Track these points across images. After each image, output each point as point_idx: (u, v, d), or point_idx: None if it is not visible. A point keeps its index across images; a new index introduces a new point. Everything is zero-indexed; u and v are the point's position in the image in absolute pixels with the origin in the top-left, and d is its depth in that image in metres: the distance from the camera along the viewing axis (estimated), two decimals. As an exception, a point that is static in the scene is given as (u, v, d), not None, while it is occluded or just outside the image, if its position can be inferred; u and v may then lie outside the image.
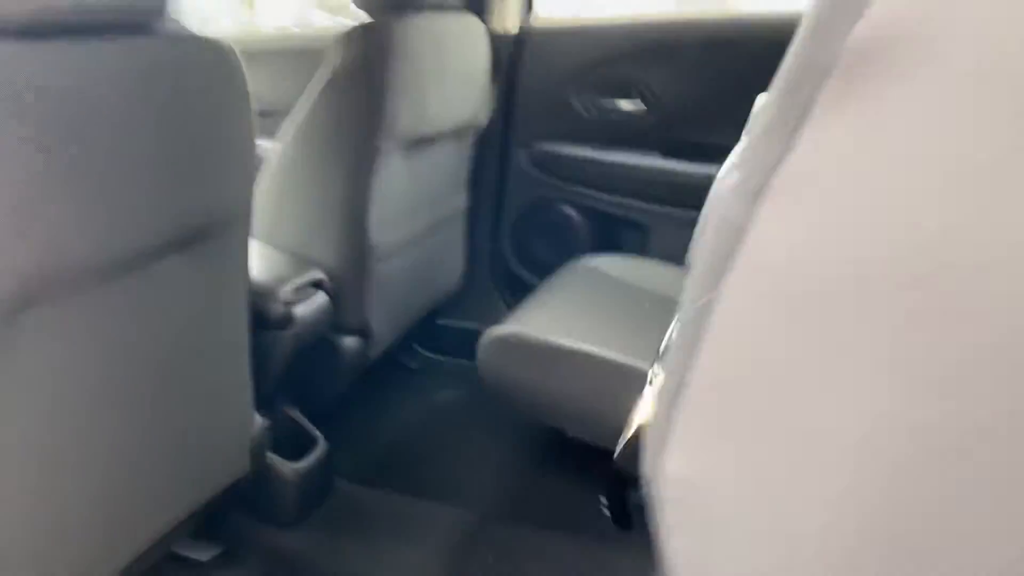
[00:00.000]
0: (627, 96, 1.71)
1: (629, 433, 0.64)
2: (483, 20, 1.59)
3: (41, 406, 0.74)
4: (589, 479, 1.49)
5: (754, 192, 0.30)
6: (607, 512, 1.42)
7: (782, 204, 0.29)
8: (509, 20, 1.69)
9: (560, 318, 1.34)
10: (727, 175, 0.60)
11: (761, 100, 0.82)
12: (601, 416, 1.26)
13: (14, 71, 0.62)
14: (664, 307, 1.47)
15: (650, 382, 0.76)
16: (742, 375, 0.31)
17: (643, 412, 0.68)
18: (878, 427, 0.27)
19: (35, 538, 0.78)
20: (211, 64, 0.82)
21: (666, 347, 0.76)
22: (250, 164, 0.92)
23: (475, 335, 1.97)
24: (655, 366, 0.77)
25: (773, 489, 0.29)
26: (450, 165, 1.61)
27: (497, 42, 1.66)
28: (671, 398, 0.33)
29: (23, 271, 0.66)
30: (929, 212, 0.26)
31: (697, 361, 0.32)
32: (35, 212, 0.66)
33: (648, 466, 0.35)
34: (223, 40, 0.83)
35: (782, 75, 0.31)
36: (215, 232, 0.90)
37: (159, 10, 0.77)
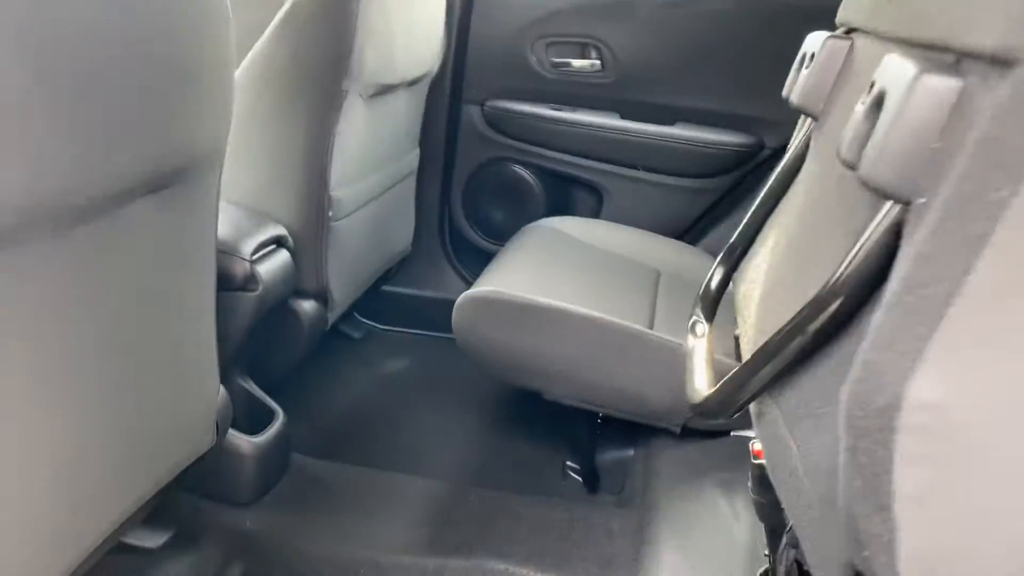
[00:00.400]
0: (584, 54, 1.67)
1: (698, 384, 0.60)
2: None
3: (3, 362, 0.62)
4: (550, 443, 1.47)
5: None
6: (575, 475, 1.40)
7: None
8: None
9: (534, 279, 1.30)
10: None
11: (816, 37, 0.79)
12: (583, 377, 1.23)
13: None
14: (630, 268, 1.46)
15: (691, 329, 0.73)
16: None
17: (701, 365, 0.64)
18: None
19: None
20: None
21: (706, 291, 0.73)
22: (228, 96, 0.81)
23: (421, 302, 1.90)
24: (695, 314, 0.74)
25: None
26: (405, 118, 1.51)
27: (451, -4, 1.58)
28: (924, 318, 0.29)
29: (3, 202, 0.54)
30: None
31: (970, 276, 0.28)
32: (21, 123, 0.54)
33: (879, 393, 0.31)
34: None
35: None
36: (191, 175, 0.79)
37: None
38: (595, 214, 1.76)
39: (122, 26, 0.64)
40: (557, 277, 1.33)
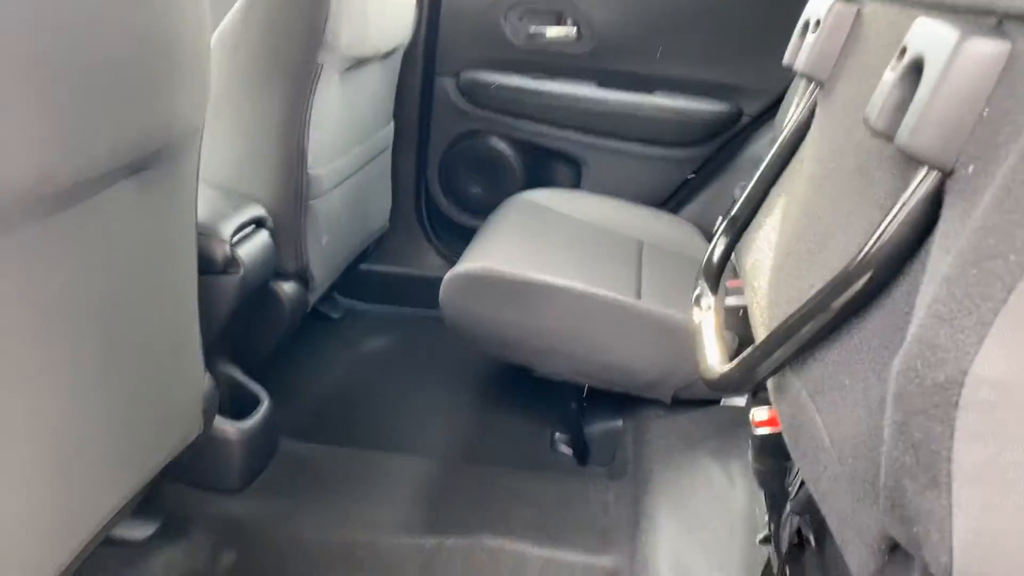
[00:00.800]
0: (560, 22, 1.63)
1: (709, 360, 0.59)
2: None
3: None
4: (537, 417, 1.47)
5: None
6: (565, 448, 1.40)
7: None
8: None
9: (519, 254, 1.28)
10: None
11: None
12: (572, 351, 1.22)
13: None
14: (612, 239, 1.45)
15: (696, 302, 0.72)
16: None
17: (711, 339, 0.64)
18: None
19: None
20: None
21: (709, 263, 0.72)
22: (205, 69, 0.78)
23: (400, 280, 1.87)
24: (699, 285, 0.73)
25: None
26: (379, 92, 1.47)
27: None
28: (991, 291, 0.28)
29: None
30: None
31: None
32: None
33: (938, 368, 0.30)
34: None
35: None
36: (170, 154, 0.75)
37: None
38: (575, 185, 1.75)
39: (93, 3, 0.60)
40: (542, 251, 1.31)
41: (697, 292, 0.69)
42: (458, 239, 1.47)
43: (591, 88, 1.65)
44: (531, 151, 1.75)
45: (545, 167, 1.78)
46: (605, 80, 1.65)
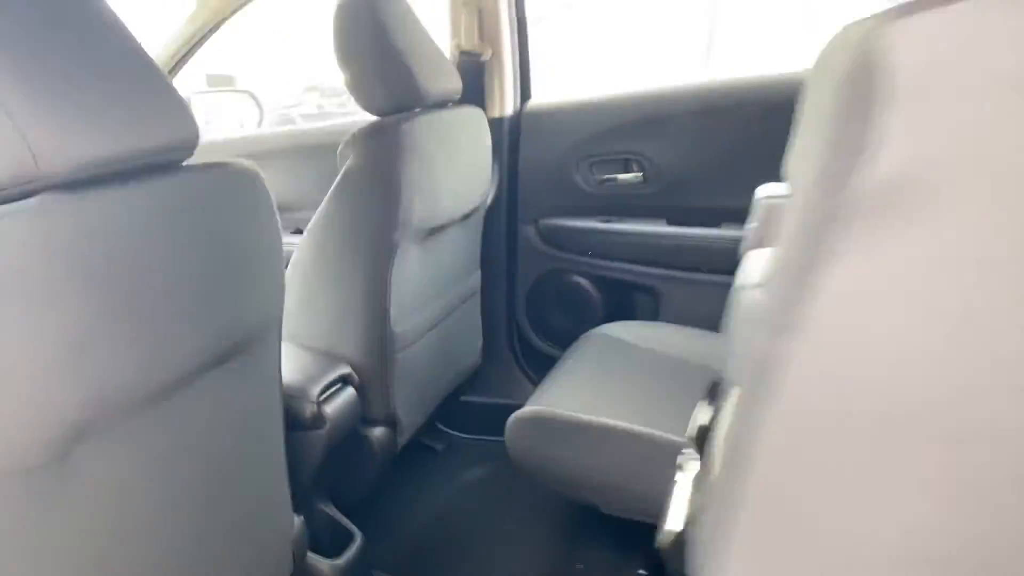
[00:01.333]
0: (626, 168, 1.76)
1: (669, 525, 0.65)
2: (483, 108, 1.66)
3: (95, 532, 0.76)
4: (627, 554, 1.49)
5: (781, 328, 0.33)
6: (648, 586, 1.41)
7: (805, 341, 0.32)
8: (508, 105, 1.76)
9: (585, 392, 1.36)
10: (752, 288, 0.63)
11: (761, 191, 0.85)
12: (635, 490, 1.27)
13: (62, 220, 0.66)
14: (684, 371, 1.50)
15: (680, 467, 0.77)
16: (793, 493, 0.33)
17: (680, 503, 0.69)
18: (915, 539, 0.29)
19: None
20: (239, 189, 0.87)
21: (698, 431, 0.78)
22: (279, 276, 0.96)
23: (498, 409, 1.99)
24: (685, 452, 0.78)
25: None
26: (462, 248, 1.65)
27: (497, 126, 1.73)
28: (727, 510, 0.35)
29: (79, 405, 0.69)
30: (935, 348, 0.29)
31: (751, 476, 0.34)
32: (87, 350, 0.69)
33: (702, 566, 0.36)
34: (248, 165, 0.88)
35: (792, 221, 0.34)
36: (251, 344, 0.93)
37: (190, 148, 0.81)
38: (654, 315, 1.82)
39: (184, 243, 0.79)
40: (608, 388, 1.39)
41: (681, 457, 0.75)
42: (548, 369, 1.57)
43: (660, 225, 1.75)
44: (610, 285, 1.85)
45: (625, 298, 1.87)
46: (673, 216, 1.74)
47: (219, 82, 2.76)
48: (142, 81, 0.76)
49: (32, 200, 0.64)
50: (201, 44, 1.81)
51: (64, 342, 0.67)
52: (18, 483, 0.65)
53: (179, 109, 0.80)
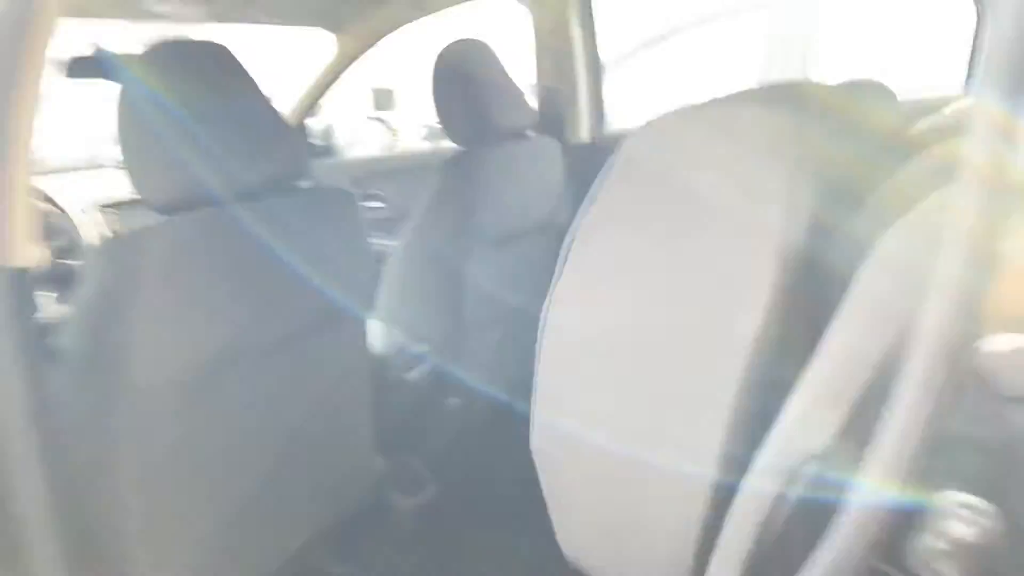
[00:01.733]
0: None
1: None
2: (560, 136, 1.94)
3: (225, 437, 1.13)
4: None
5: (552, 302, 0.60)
6: None
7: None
8: (583, 132, 2.03)
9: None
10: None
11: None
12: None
13: (214, 225, 1.03)
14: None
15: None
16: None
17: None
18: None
19: (221, 529, 1.16)
20: (334, 206, 1.22)
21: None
22: (363, 271, 1.30)
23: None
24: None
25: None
26: (536, 260, 1.93)
27: (575, 152, 2.00)
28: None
29: (218, 342, 1.05)
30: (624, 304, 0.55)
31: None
32: (225, 308, 1.06)
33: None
34: (342, 189, 1.23)
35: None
36: (339, 318, 1.28)
37: (302, 175, 1.17)
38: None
39: (288, 239, 1.15)
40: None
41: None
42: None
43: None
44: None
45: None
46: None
47: (382, 96, 3.17)
48: (272, 130, 1.13)
49: (197, 212, 1.02)
50: (337, 79, 2.23)
51: (212, 301, 1.04)
52: (177, 391, 1.03)
53: (295, 149, 1.17)
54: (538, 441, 0.70)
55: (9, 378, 0.85)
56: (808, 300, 0.52)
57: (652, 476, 0.59)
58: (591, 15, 1.99)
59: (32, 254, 0.87)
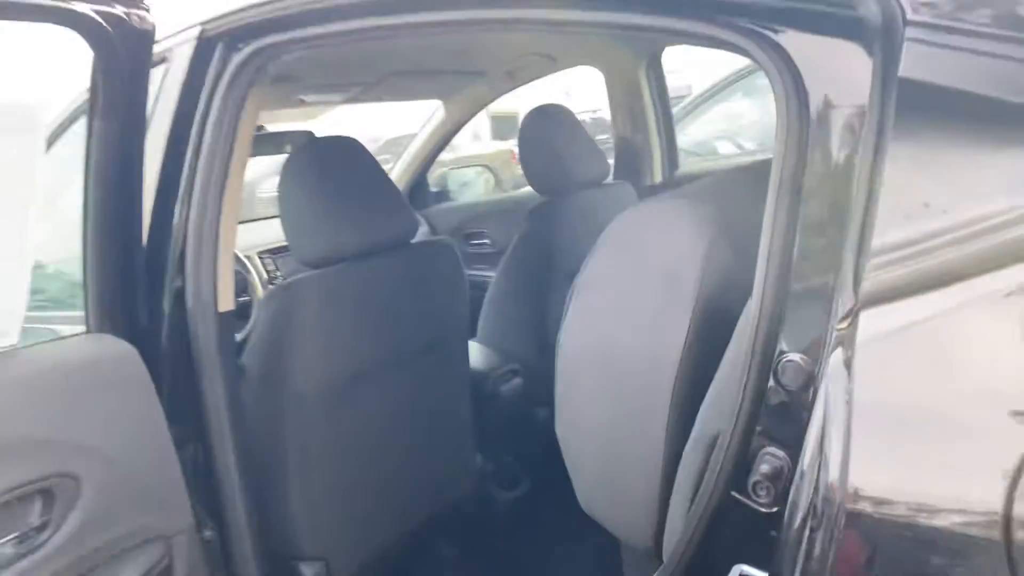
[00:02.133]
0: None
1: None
2: (636, 180, 2.23)
3: (357, 440, 1.49)
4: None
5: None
6: None
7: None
8: (657, 175, 2.30)
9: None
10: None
11: None
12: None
13: (345, 277, 1.40)
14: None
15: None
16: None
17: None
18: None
19: (357, 506, 1.52)
20: (438, 257, 1.58)
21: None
22: (460, 308, 1.65)
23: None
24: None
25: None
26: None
27: (647, 193, 2.28)
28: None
29: (352, 362, 1.42)
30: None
31: None
32: (353, 337, 1.43)
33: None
34: (445, 241, 1.59)
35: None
36: (443, 343, 1.63)
37: (412, 234, 1.54)
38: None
39: (400, 284, 1.52)
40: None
41: None
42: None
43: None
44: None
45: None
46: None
47: (502, 120, 3.51)
48: (390, 202, 1.50)
49: (332, 267, 1.39)
50: (448, 141, 2.63)
51: (348, 332, 1.41)
52: (325, 400, 1.40)
53: (407, 212, 1.54)
54: (560, 429, 1.00)
55: (217, 390, 1.24)
56: (715, 329, 0.80)
57: (628, 447, 0.87)
58: (660, 72, 2.27)
59: (231, 299, 1.27)
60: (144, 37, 1.03)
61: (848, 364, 0.53)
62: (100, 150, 1.06)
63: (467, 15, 0.95)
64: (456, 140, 2.77)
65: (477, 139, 9.42)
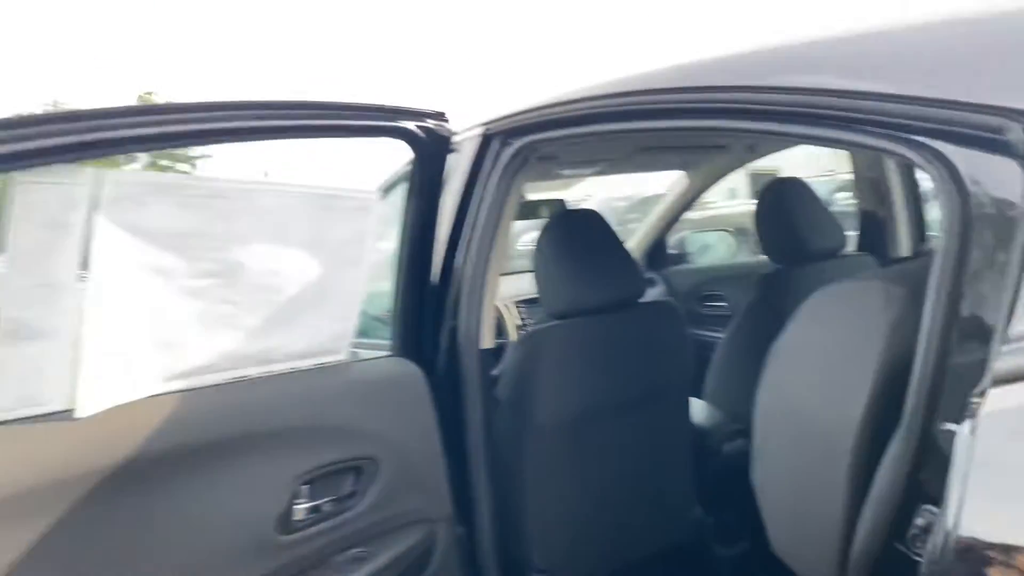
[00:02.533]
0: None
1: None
2: (881, 253, 2.22)
3: (590, 466, 1.71)
4: None
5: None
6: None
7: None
8: (903, 248, 2.26)
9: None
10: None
11: None
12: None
13: (580, 330, 1.64)
14: None
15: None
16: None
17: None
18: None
19: (584, 528, 1.72)
20: (663, 317, 1.76)
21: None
22: (686, 363, 1.81)
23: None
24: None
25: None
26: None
27: (890, 265, 2.24)
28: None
29: (579, 404, 1.65)
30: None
31: None
32: (575, 384, 1.65)
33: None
34: (669, 303, 1.77)
35: None
36: (661, 395, 1.79)
37: (640, 294, 1.74)
38: None
39: (625, 340, 1.72)
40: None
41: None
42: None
43: None
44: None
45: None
46: None
47: (759, 178, 3.59)
48: (624, 267, 1.73)
49: (571, 319, 1.64)
50: (689, 206, 2.80)
51: (581, 376, 1.64)
52: (561, 432, 1.64)
53: (636, 275, 1.75)
54: (756, 477, 1.12)
55: (475, 413, 1.53)
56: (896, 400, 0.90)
57: (812, 495, 0.98)
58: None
59: (491, 339, 1.57)
60: (443, 140, 1.39)
61: (973, 431, 0.63)
62: (412, 221, 1.42)
63: (712, 124, 1.10)
64: (711, 195, 2.92)
65: (733, 196, 9.32)
